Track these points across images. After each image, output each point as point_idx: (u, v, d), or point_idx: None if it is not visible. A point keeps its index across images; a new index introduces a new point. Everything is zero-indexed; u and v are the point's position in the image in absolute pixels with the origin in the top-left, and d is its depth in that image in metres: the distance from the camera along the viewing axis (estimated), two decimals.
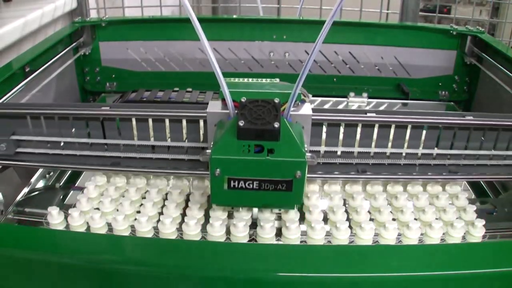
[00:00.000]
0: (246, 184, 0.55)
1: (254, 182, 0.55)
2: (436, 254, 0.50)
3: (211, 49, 0.56)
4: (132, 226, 0.63)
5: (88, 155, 0.68)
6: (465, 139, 0.67)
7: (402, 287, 0.48)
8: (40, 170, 0.79)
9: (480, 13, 2.29)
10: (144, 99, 0.88)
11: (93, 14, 1.37)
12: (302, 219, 0.63)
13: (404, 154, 0.67)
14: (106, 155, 0.68)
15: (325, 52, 1.10)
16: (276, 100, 0.56)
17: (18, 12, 1.11)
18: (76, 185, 0.76)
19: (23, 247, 0.50)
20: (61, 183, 0.78)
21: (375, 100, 1.06)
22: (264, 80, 0.64)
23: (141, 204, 0.66)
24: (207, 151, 0.56)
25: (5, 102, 0.76)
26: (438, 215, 0.66)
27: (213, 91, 0.89)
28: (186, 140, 0.66)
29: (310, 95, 0.62)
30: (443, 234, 0.62)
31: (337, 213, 0.64)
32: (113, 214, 0.64)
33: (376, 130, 0.65)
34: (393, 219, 0.64)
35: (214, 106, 0.60)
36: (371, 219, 0.64)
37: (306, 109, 0.60)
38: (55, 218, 0.63)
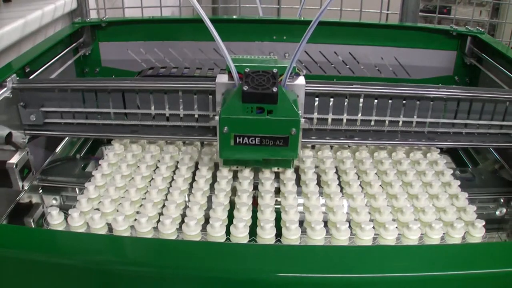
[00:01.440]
0: (250, 140, 0.65)
1: (256, 138, 0.65)
2: (436, 254, 0.50)
3: (213, 27, 0.63)
4: (132, 227, 0.63)
5: (109, 124, 0.77)
6: (441, 110, 0.75)
7: (403, 287, 0.48)
8: (64, 142, 0.88)
9: (480, 14, 2.29)
10: (160, 74, 0.94)
11: (93, 15, 1.37)
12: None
13: (387, 122, 0.76)
14: (126, 123, 0.77)
15: (325, 52, 1.10)
16: (275, 70, 0.65)
17: (18, 13, 1.11)
18: (94, 155, 0.88)
19: (22, 247, 0.50)
20: (82, 154, 0.89)
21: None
22: (263, 57, 0.73)
23: (141, 205, 0.66)
24: (216, 116, 0.65)
25: (34, 78, 0.84)
26: (438, 215, 0.66)
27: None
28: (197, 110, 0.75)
29: (304, 71, 0.71)
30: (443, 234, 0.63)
31: (337, 213, 0.64)
32: (113, 214, 0.64)
33: (361, 100, 0.74)
34: (393, 220, 0.64)
35: (222, 78, 0.69)
36: (371, 220, 0.64)
37: (300, 80, 0.69)
38: (55, 218, 0.63)
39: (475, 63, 1.05)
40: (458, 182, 0.72)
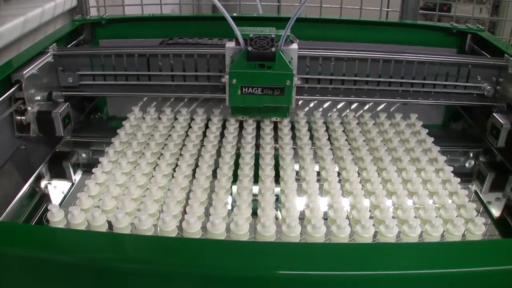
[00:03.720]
0: (253, 90, 0.81)
1: (258, 88, 0.80)
2: (436, 252, 0.50)
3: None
4: (133, 224, 0.63)
5: (135, 84, 0.92)
6: (412, 72, 0.90)
7: (403, 285, 0.48)
8: (93, 104, 1.03)
9: (480, 11, 2.29)
10: (179, 43, 1.08)
11: (93, 12, 1.37)
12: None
13: (366, 83, 0.91)
14: (149, 84, 0.92)
15: None
16: (273, 36, 0.81)
17: (18, 11, 1.11)
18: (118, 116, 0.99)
19: (22, 245, 0.50)
20: (107, 115, 1.05)
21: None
22: (263, 28, 0.86)
23: (141, 202, 0.66)
24: (226, 76, 0.80)
25: (69, 47, 1.01)
26: (438, 213, 0.66)
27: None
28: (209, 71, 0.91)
29: (297, 40, 0.86)
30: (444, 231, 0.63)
31: (337, 210, 0.64)
32: (113, 211, 0.64)
33: (345, 63, 0.89)
34: (393, 217, 0.64)
35: (230, 44, 0.84)
36: (371, 217, 0.64)
37: (294, 46, 0.84)
38: (55, 216, 0.63)
39: None
40: (458, 180, 0.73)
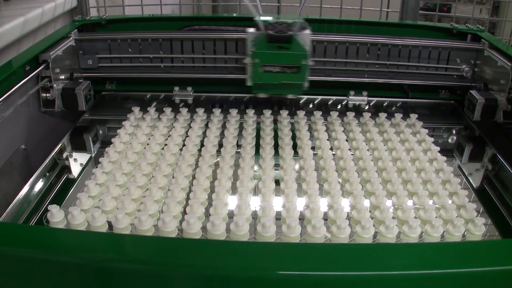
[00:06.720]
0: (273, 68, 0.90)
1: (278, 67, 0.90)
2: (436, 252, 0.50)
3: None
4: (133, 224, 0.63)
5: (151, 66, 1.03)
6: (397, 54, 1.02)
7: (403, 285, 0.48)
8: (109, 86, 1.08)
9: (480, 12, 2.29)
10: (195, 28, 1.14)
11: (93, 13, 1.37)
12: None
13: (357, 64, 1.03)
14: (160, 65, 1.03)
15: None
16: (289, 21, 0.91)
17: (18, 11, 1.11)
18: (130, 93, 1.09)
19: (22, 245, 0.50)
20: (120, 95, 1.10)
21: (375, 99, 1.06)
22: (279, 15, 0.98)
23: (141, 203, 0.66)
24: (248, 58, 0.90)
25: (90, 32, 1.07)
26: (438, 213, 0.66)
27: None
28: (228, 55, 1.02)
29: (310, 27, 0.93)
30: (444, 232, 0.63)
31: (337, 211, 0.64)
32: (113, 212, 0.64)
33: (336, 46, 1.01)
34: (393, 217, 0.64)
35: (251, 30, 0.92)
36: (371, 218, 0.64)
37: (307, 31, 0.92)
38: (55, 216, 0.63)
39: None
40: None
